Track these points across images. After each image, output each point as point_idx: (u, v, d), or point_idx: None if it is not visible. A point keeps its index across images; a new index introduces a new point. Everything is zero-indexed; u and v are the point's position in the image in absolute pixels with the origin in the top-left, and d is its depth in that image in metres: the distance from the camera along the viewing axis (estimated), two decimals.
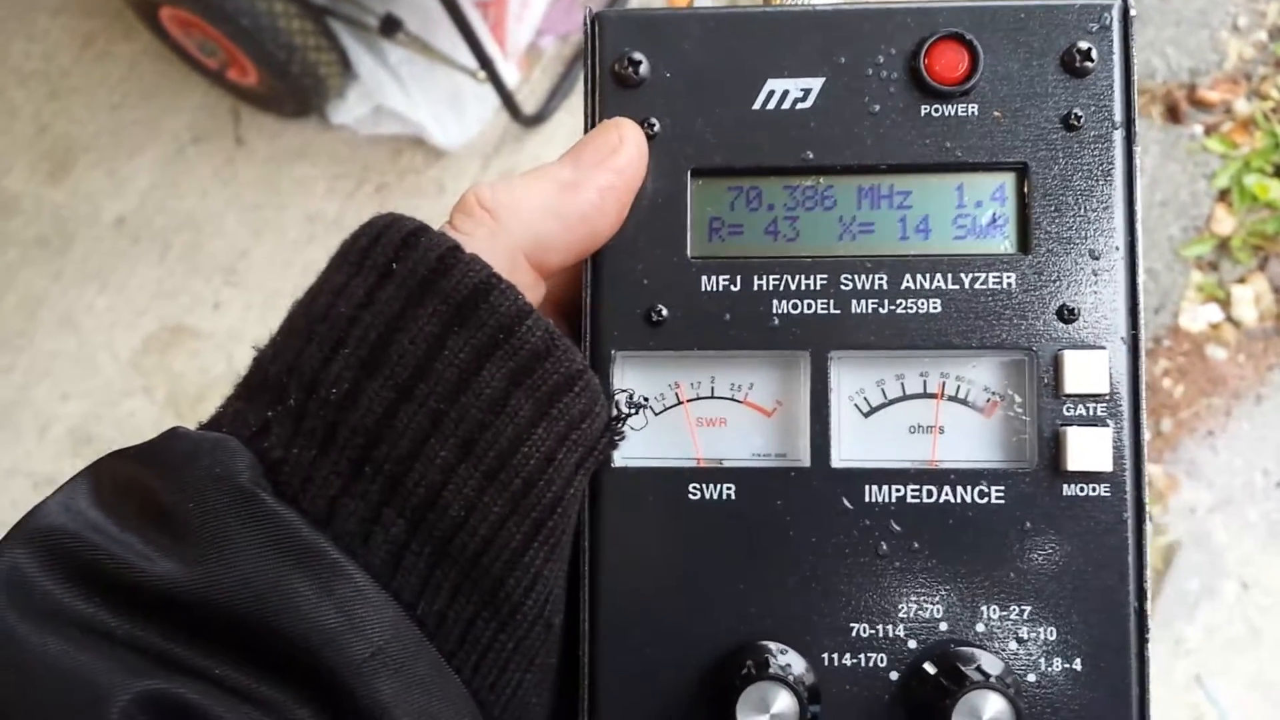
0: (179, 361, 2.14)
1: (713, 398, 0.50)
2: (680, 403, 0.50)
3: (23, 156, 2.31)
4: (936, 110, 0.48)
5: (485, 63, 1.88)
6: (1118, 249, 0.47)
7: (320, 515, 0.42)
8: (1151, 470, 1.91)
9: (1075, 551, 0.47)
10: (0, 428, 2.15)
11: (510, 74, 2.02)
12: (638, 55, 0.49)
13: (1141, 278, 0.48)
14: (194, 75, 2.25)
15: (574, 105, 2.14)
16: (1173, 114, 2.06)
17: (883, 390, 0.49)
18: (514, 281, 0.44)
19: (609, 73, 0.49)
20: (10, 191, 2.28)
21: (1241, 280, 1.99)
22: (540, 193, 0.46)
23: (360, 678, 0.39)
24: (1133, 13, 0.48)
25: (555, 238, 0.46)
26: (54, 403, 2.15)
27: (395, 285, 0.43)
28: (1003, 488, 0.47)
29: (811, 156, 0.49)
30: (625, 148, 0.48)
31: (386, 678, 0.40)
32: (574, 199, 0.46)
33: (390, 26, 1.94)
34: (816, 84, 0.49)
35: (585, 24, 0.50)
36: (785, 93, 0.49)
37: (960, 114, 0.48)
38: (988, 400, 0.49)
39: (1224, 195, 2.01)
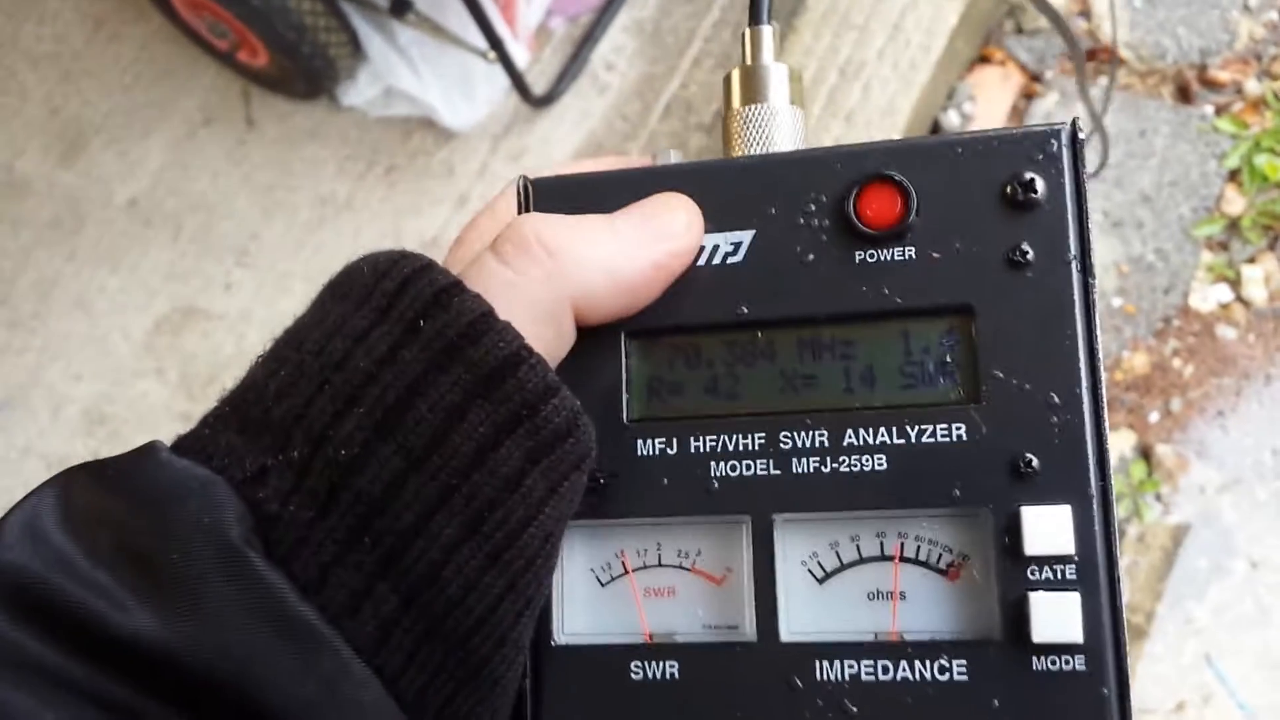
0: (191, 343, 2.15)
1: (660, 566, 0.47)
2: (626, 572, 0.47)
3: (35, 139, 2.31)
4: (871, 255, 0.45)
5: (495, 43, 1.87)
6: (1078, 393, 0.42)
7: (310, 582, 0.39)
8: (1161, 450, 1.91)
9: None
10: (14, 408, 2.17)
11: (520, 55, 2.02)
12: None
13: (1107, 423, 0.43)
14: (204, 57, 2.24)
15: (583, 87, 2.13)
16: (1183, 94, 2.06)
17: (837, 553, 0.45)
18: (556, 331, 0.43)
19: None
20: (23, 173, 2.29)
21: (1251, 260, 1.98)
22: (602, 246, 0.45)
23: None
24: (1081, 136, 0.44)
25: (602, 295, 0.45)
26: (67, 383, 2.17)
27: (420, 346, 0.41)
28: (965, 662, 0.42)
29: (746, 311, 0.46)
30: (691, 234, 0.46)
31: None
32: (630, 265, 0.45)
33: (400, 7, 1.94)
34: (746, 237, 0.47)
35: (519, 189, 0.49)
36: (715, 248, 0.47)
37: (897, 258, 0.45)
38: (950, 562, 0.44)
39: (1234, 175, 2.00)
